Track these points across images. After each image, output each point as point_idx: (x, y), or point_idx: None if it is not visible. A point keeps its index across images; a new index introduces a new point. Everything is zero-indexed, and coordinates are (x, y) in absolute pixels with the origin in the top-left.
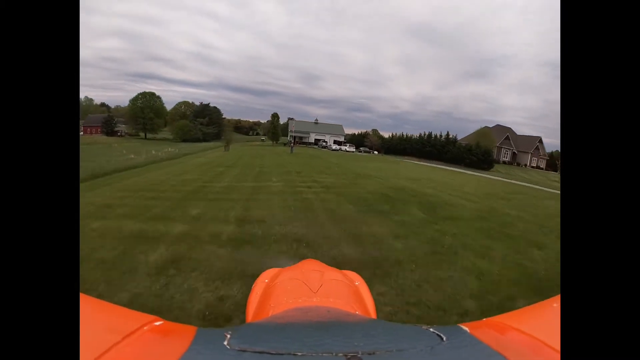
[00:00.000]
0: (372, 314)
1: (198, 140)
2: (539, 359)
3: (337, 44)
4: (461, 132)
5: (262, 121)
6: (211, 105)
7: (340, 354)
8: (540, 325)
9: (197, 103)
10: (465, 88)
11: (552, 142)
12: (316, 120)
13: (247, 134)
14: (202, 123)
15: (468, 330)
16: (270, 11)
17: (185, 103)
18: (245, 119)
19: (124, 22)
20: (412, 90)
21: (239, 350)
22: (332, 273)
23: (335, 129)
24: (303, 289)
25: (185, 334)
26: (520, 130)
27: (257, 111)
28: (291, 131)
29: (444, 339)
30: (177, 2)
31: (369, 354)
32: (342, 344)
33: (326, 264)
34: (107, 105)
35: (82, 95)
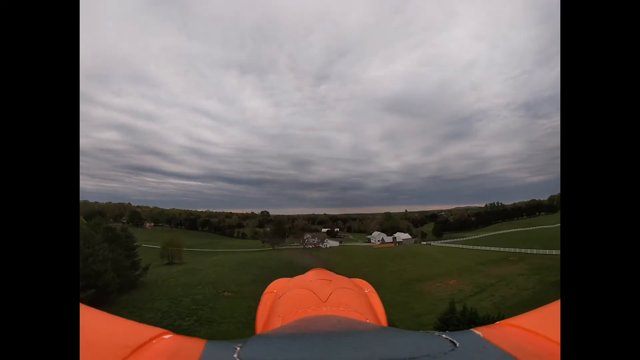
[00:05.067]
0: (383, 322)
1: None
2: None
3: (323, 129)
4: (456, 194)
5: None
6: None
7: None
8: (555, 326)
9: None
10: (449, 150)
11: (541, 179)
12: None
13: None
14: None
15: (481, 335)
16: (258, 106)
17: None
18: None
19: (122, 116)
20: (399, 162)
21: None
22: (341, 281)
23: None
24: (312, 298)
25: (194, 347)
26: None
27: (252, 200)
28: None
29: (457, 344)
30: (171, 100)
31: None
32: (353, 353)
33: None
34: None
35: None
